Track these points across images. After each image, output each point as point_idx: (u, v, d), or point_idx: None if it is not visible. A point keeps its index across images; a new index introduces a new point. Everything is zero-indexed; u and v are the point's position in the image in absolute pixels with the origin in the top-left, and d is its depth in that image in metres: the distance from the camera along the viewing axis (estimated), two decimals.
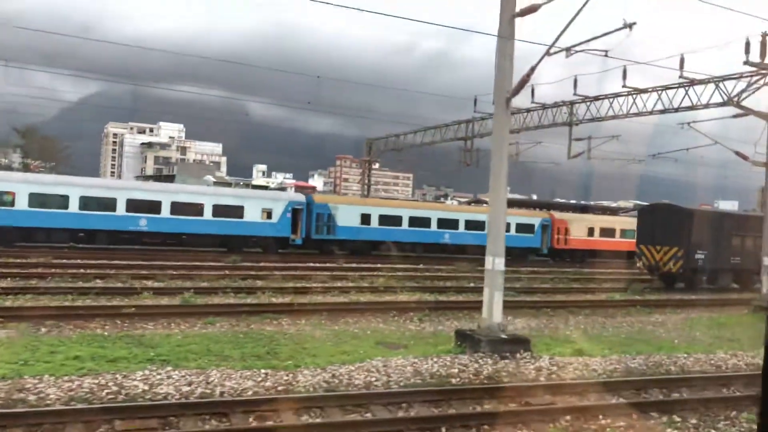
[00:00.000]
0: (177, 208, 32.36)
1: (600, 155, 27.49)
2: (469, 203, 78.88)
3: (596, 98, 25.97)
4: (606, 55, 10.57)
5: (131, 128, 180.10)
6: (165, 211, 32.06)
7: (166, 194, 32.71)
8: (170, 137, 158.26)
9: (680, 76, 21.76)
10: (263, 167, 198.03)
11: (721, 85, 21.66)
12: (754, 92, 20.59)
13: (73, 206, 30.06)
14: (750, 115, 20.41)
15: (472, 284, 23.27)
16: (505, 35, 11.59)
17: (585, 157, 27.21)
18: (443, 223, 40.61)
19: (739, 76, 21.05)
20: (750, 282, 28.40)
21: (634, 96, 24.41)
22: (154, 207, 31.87)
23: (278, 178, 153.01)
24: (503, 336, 11.46)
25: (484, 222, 42.28)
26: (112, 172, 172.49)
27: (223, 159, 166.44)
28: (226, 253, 32.43)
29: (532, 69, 11.12)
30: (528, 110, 29.17)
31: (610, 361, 11.47)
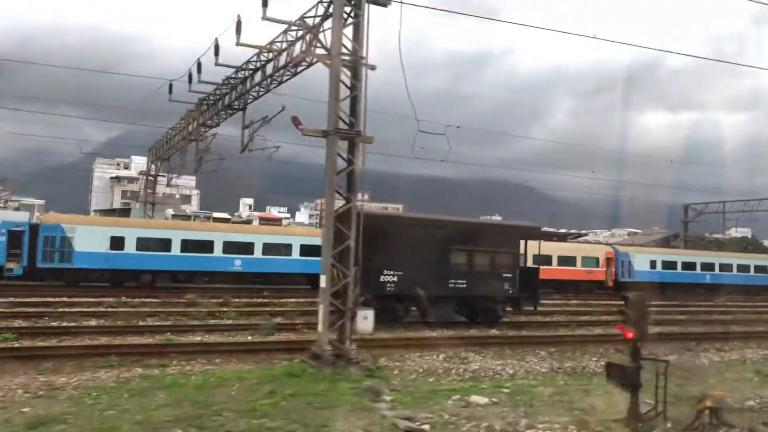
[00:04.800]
0: None
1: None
2: None
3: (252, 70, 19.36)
4: None
5: (117, 164, 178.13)
6: None
7: None
8: (141, 172, 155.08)
9: (263, 18, 15.16)
10: (250, 201, 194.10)
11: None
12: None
13: None
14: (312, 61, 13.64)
15: None
16: None
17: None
18: (233, 247, 33.96)
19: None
20: (492, 314, 21.02)
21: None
22: None
23: (270, 211, 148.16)
24: None
25: (290, 245, 35.52)
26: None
27: (195, 192, 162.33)
28: None
29: None
30: (213, 98, 22.71)
31: None
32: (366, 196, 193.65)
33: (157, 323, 18.15)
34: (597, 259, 43.74)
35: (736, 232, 79.72)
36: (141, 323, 17.95)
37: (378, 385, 11.63)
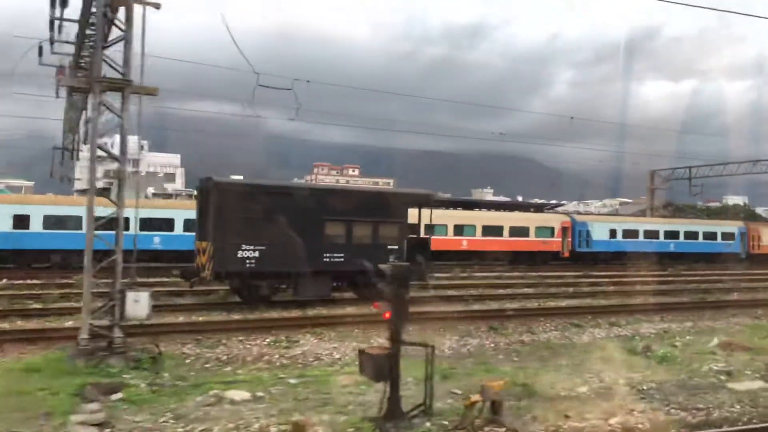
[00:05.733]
0: None
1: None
2: None
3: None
4: None
5: (104, 143, 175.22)
6: None
7: None
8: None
9: None
10: (239, 178, 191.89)
11: None
12: None
13: None
14: None
15: None
16: None
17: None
18: (152, 223, 31.99)
19: None
20: (372, 288, 19.15)
21: None
22: None
23: None
24: None
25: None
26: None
27: (179, 170, 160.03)
28: None
29: None
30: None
31: None
32: (356, 171, 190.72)
33: None
34: (552, 229, 41.80)
35: (714, 201, 77.56)
36: None
37: (135, 378, 9.87)
